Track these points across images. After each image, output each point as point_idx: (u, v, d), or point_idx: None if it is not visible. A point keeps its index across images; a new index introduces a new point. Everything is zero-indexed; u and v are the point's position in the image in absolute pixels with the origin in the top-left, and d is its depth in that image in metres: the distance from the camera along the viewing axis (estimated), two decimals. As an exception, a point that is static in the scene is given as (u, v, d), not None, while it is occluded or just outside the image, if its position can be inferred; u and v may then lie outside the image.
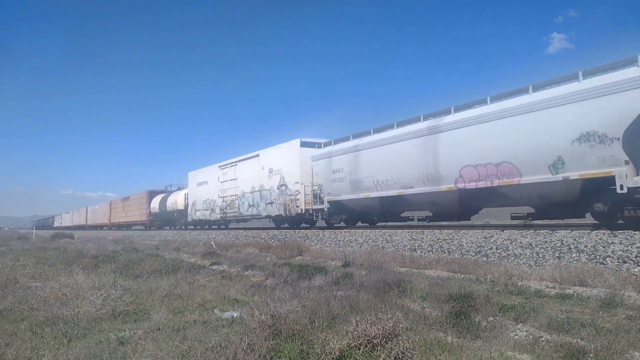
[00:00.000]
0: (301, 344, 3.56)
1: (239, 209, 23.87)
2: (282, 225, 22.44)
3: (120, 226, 47.81)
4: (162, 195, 38.08)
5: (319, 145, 18.63)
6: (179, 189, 36.52)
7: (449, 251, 10.14)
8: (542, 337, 3.89)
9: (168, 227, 37.95)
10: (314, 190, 18.52)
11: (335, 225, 17.72)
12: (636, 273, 6.69)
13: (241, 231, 22.94)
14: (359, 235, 13.63)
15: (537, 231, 9.96)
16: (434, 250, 10.49)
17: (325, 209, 17.35)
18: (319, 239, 14.76)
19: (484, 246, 9.72)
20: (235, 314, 4.82)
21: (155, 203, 38.01)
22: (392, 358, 3.17)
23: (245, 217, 24.03)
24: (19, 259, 10.82)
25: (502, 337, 3.88)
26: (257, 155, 22.58)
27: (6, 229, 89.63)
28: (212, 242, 17.25)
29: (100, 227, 55.11)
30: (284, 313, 4.04)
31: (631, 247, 7.54)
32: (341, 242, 13.70)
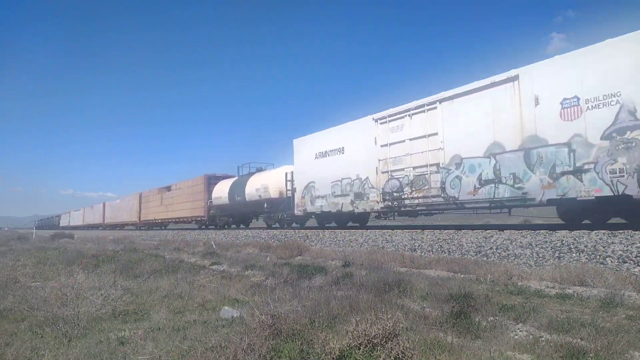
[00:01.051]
0: (301, 344, 3.56)
1: (444, 189, 12.75)
2: (607, 219, 10.84)
3: (151, 225, 37.59)
4: (233, 179, 26.43)
5: None
6: (259, 170, 25.30)
7: (449, 251, 10.14)
8: (542, 337, 3.89)
9: (235, 225, 27.42)
10: None
11: None
12: (636, 273, 6.69)
13: (241, 231, 22.92)
14: (359, 235, 13.64)
15: (537, 231, 9.96)
16: (434, 250, 10.49)
17: None
18: (319, 239, 14.77)
19: (484, 246, 9.72)
20: (235, 314, 4.83)
21: (220, 192, 26.75)
22: (392, 358, 3.17)
23: (468, 205, 12.39)
24: (19, 259, 10.81)
25: (502, 337, 3.88)
26: (513, 79, 11.03)
27: (6, 229, 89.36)
28: (212, 242, 17.26)
29: (121, 226, 45.04)
30: (284, 313, 4.04)
31: (631, 247, 7.55)
32: (341, 242, 13.71)
